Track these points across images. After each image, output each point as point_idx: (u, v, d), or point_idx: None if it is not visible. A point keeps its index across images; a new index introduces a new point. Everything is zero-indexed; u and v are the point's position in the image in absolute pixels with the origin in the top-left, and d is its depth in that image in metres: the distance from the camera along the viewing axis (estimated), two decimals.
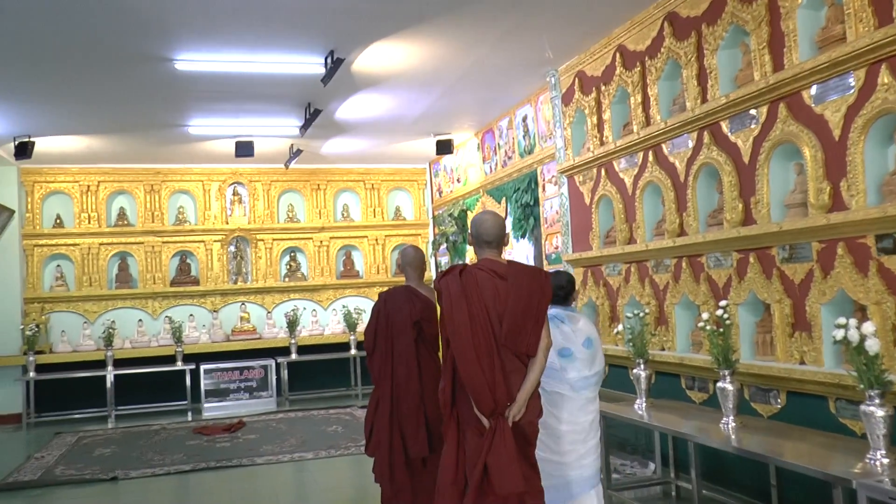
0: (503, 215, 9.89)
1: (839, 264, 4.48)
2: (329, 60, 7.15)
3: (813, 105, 4.67)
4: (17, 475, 7.69)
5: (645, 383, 5.51)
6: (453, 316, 3.77)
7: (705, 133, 5.67)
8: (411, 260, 5.15)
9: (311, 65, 7.36)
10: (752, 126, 5.20)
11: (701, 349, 5.75)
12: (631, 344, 5.59)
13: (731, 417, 4.60)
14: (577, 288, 5.18)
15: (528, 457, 3.77)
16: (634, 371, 5.57)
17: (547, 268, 8.69)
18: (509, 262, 3.93)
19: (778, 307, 4.95)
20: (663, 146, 6.24)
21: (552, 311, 4.36)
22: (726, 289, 5.50)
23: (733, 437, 4.41)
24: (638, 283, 6.63)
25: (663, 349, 6.20)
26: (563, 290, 4.66)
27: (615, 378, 6.94)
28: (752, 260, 5.21)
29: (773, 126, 4.99)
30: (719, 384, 4.65)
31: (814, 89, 4.65)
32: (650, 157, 6.41)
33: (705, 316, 4.82)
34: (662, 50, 6.18)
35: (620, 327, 5.94)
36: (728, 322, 4.68)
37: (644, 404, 5.47)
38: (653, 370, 5.98)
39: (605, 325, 7.16)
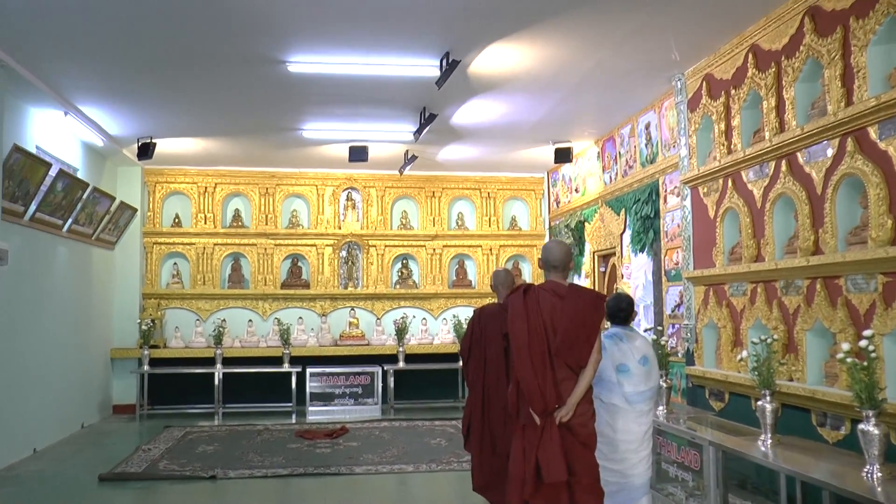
0: (622, 227, 9.40)
1: None
2: (444, 62, 6.95)
3: None
4: (124, 466, 7.82)
5: (771, 417, 4.95)
6: (514, 327, 4.43)
7: (849, 140, 5.06)
8: (502, 280, 5.79)
9: (426, 67, 7.19)
10: None
11: (836, 382, 5.13)
12: (756, 372, 5.03)
13: (877, 466, 3.98)
14: (635, 309, 5.58)
15: (578, 455, 4.32)
16: (759, 403, 5.01)
17: (666, 285, 8.17)
18: (571, 284, 4.54)
19: None
20: (798, 155, 5.65)
21: (612, 329, 5.11)
22: (869, 316, 4.87)
23: (879, 489, 3.80)
24: (765, 306, 6.03)
25: (791, 380, 5.59)
26: (623, 312, 5.18)
27: (737, 409, 6.37)
28: None
29: None
30: (861, 426, 4.06)
31: None
32: (783, 167, 5.82)
33: (846, 347, 4.23)
34: (801, 48, 5.59)
35: (744, 353, 5.37)
36: (874, 355, 4.08)
37: (769, 441, 4.91)
38: (778, 402, 5.40)
39: (726, 350, 6.58)
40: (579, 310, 4.36)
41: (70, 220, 9.34)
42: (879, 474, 3.98)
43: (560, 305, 4.38)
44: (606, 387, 4.87)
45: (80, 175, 9.70)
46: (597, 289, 10.40)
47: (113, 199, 10.44)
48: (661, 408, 6.35)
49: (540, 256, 4.72)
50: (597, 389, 4.75)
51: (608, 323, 5.17)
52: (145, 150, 9.93)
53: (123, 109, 8.81)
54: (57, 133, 9.11)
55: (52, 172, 8.34)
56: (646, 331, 7.59)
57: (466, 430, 5.66)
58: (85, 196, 9.38)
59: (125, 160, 11.23)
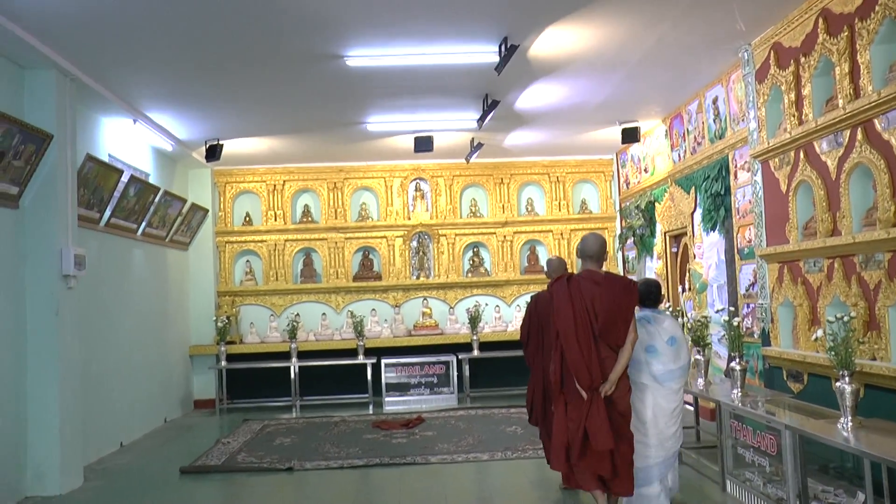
0: (692, 206, 9.15)
1: None
2: (503, 48, 6.87)
3: None
4: (205, 459, 8.03)
5: (851, 399, 4.72)
6: (561, 313, 5.04)
7: None
8: (555, 268, 6.30)
9: (485, 53, 7.12)
10: None
11: None
12: (833, 352, 4.81)
13: None
14: (663, 293, 6.32)
15: (619, 424, 4.93)
16: (838, 384, 4.79)
17: (739, 263, 7.91)
18: (606, 273, 5.16)
19: None
20: (876, 122, 5.36)
21: (641, 312, 5.47)
22: None
23: None
24: (843, 282, 5.76)
25: (874, 359, 5.33)
26: (651, 296, 5.63)
27: (816, 390, 6.12)
28: None
29: None
30: None
31: None
32: (858, 136, 5.53)
33: None
34: (877, 8, 5.29)
35: (820, 332, 5.14)
36: None
37: (850, 424, 4.70)
38: (861, 383, 5.16)
39: (803, 329, 6.32)
40: (615, 295, 4.97)
41: (144, 224, 9.62)
42: None
43: (598, 291, 4.97)
44: (635, 366, 5.28)
45: (151, 180, 9.98)
46: (669, 269, 10.19)
47: (184, 201, 10.71)
48: (735, 391, 6.18)
49: (578, 247, 5.34)
50: (629, 370, 5.17)
51: (638, 307, 5.46)
52: (213, 152, 10.15)
53: (189, 113, 9.02)
54: (127, 140, 9.38)
55: (125, 178, 8.60)
56: (717, 311, 7.40)
57: (530, 408, 6.33)
58: (157, 199, 9.64)
59: (194, 163, 11.49)
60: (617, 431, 4.89)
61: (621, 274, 5.80)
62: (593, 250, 5.16)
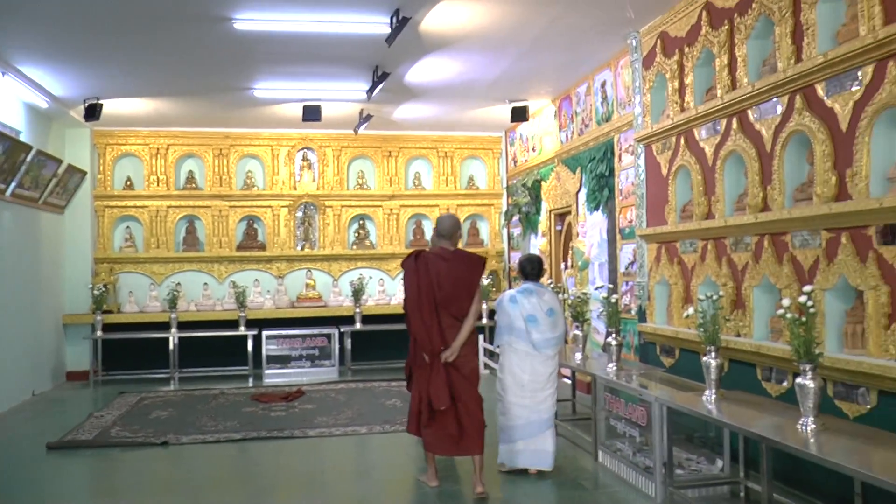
0: (577, 186, 9.39)
1: None
2: (394, 20, 6.80)
3: None
4: (75, 434, 7.69)
5: (716, 373, 5.00)
6: (407, 286, 5.59)
7: (797, 97, 5.06)
8: (447, 228, 5.94)
9: (376, 24, 7.03)
10: (854, 88, 4.58)
11: (781, 337, 5.18)
12: (702, 329, 5.07)
13: (811, 418, 4.04)
14: (545, 267, 6.76)
15: (463, 387, 5.46)
16: (704, 359, 5.06)
17: (620, 243, 8.19)
18: (455, 250, 5.64)
19: (873, 295, 4.36)
20: (749, 112, 5.64)
21: (524, 285, 6.09)
22: (813, 272, 4.91)
23: (812, 440, 3.87)
24: (714, 262, 6.07)
25: (739, 335, 5.65)
26: (533, 270, 6.15)
27: (686, 365, 6.44)
28: (844, 240, 4.61)
29: (879, 88, 4.36)
30: (799, 380, 4.10)
31: None
32: (734, 125, 5.81)
33: (786, 302, 4.26)
34: (754, 5, 5.55)
35: (691, 310, 5.41)
36: (812, 310, 4.12)
37: (713, 396, 4.97)
38: (726, 358, 5.48)
39: (677, 307, 6.62)
40: (461, 269, 5.53)
41: (13, 184, 9.07)
42: (813, 426, 4.05)
43: (445, 266, 5.48)
44: (517, 334, 5.87)
45: (23, 138, 9.37)
46: (553, 246, 10.44)
47: (60, 161, 10.17)
48: (611, 365, 6.42)
49: (434, 227, 5.83)
50: (509, 338, 5.90)
51: (521, 280, 6.22)
52: (92, 112, 9.67)
53: (67, 70, 8.53)
54: None
55: None
56: (597, 288, 7.65)
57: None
58: (29, 159, 9.09)
59: (73, 122, 10.90)
60: (459, 393, 5.43)
61: (471, 251, 6.24)
62: (445, 229, 5.66)
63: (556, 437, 6.00)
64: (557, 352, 6.01)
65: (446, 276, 5.46)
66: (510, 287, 10.46)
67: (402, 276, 11.93)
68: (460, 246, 12.50)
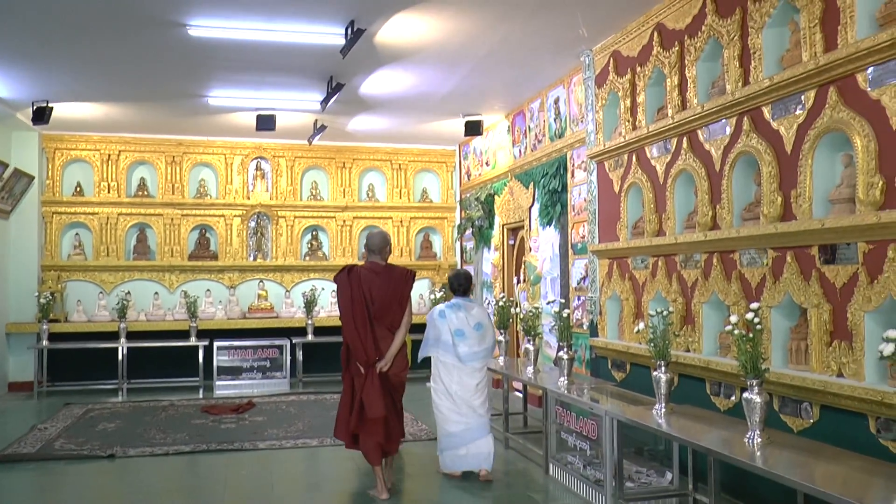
0: (530, 201, 9.49)
1: (889, 268, 4.01)
2: (349, 31, 6.82)
3: (869, 89, 4.19)
4: (16, 447, 7.50)
5: (665, 387, 5.10)
6: (341, 299, 5.81)
7: (745, 119, 5.20)
8: (376, 243, 6.13)
9: (331, 35, 7.04)
10: (798, 112, 4.73)
11: (729, 353, 5.30)
12: (652, 344, 5.17)
13: (757, 432, 4.15)
14: (473, 283, 6.99)
15: (394, 398, 5.85)
16: (655, 373, 5.15)
17: (572, 258, 8.29)
18: (386, 265, 5.93)
19: (815, 312, 4.50)
20: (699, 132, 5.78)
21: (454, 300, 6.47)
22: (760, 289, 5.05)
23: (758, 454, 3.97)
24: (665, 279, 6.19)
25: (688, 350, 5.77)
26: (461, 286, 6.53)
27: (637, 379, 6.54)
28: (789, 259, 4.75)
29: (820, 112, 4.52)
30: (745, 395, 4.21)
31: (870, 71, 4.16)
32: (684, 144, 5.95)
33: (734, 319, 4.39)
34: (703, 28, 5.70)
35: (642, 325, 5.51)
36: (759, 327, 4.23)
37: (663, 410, 5.07)
38: (676, 373, 5.59)
39: (628, 322, 6.73)
40: (392, 283, 5.83)
41: None
42: (759, 440, 4.15)
43: (377, 280, 5.77)
44: (444, 348, 6.20)
45: None
46: (506, 261, 10.52)
47: (5, 165, 9.95)
48: (562, 379, 6.49)
49: (365, 243, 6.08)
50: (436, 350, 6.27)
51: (435, 295, 6.61)
52: (41, 115, 9.46)
53: (14, 71, 8.33)
54: None
55: None
56: (549, 303, 7.74)
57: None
58: None
59: (20, 125, 10.66)
60: (389, 403, 5.75)
61: (400, 265, 6.25)
62: (375, 245, 5.95)
63: (493, 439, 6.30)
64: (485, 364, 6.36)
65: (378, 289, 5.75)
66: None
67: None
68: (413, 258, 12.76)
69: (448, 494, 5.97)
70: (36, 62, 8.07)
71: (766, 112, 5.02)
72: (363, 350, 5.67)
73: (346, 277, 5.81)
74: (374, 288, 5.75)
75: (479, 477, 6.17)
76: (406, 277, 5.94)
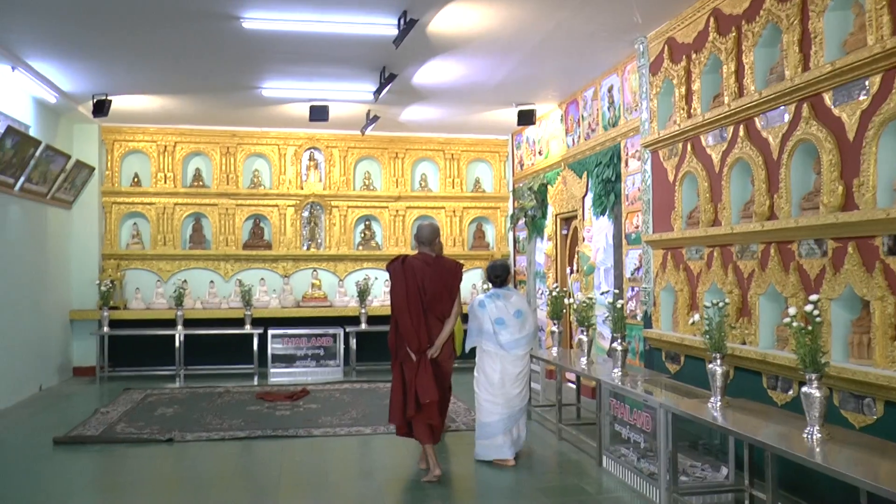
0: (584, 190, 9.41)
1: None
2: (402, 21, 6.83)
3: None
4: (81, 429, 7.72)
5: (721, 380, 5.00)
6: (395, 289, 6.01)
7: (804, 106, 5.07)
8: (426, 235, 6.29)
9: (384, 25, 7.07)
10: (861, 98, 4.59)
11: (787, 346, 5.19)
12: (707, 336, 5.08)
13: (816, 427, 4.05)
14: (511, 273, 7.09)
15: (442, 383, 6.00)
16: (710, 366, 5.06)
17: (626, 248, 8.20)
18: (437, 256, 6.16)
19: (879, 305, 4.37)
20: (756, 120, 5.65)
21: (493, 290, 6.67)
22: (819, 281, 4.92)
23: (818, 450, 3.87)
24: (720, 270, 6.08)
25: (744, 343, 5.66)
26: (499, 277, 6.67)
27: (692, 371, 6.45)
28: (850, 250, 4.62)
29: (886, 98, 4.38)
30: (804, 389, 4.11)
31: None
32: (741, 132, 5.82)
33: (792, 311, 4.27)
34: (762, 13, 5.56)
35: (697, 317, 5.41)
36: (818, 319, 4.13)
37: (719, 403, 4.98)
38: (731, 366, 5.48)
39: (682, 313, 6.64)
40: (442, 274, 6.04)
41: (22, 179, 9.11)
42: (818, 435, 4.05)
43: (428, 271, 5.98)
44: (486, 337, 6.42)
45: (32, 132, 9.44)
46: (559, 251, 10.45)
47: (68, 157, 10.19)
48: (616, 370, 6.42)
49: (414, 234, 6.39)
50: (479, 339, 6.46)
51: (489, 284, 6.80)
52: (101, 108, 9.71)
53: (76, 65, 8.57)
54: (4, 89, 8.82)
55: (0, 129, 8.10)
56: (603, 294, 7.66)
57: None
58: (38, 154, 9.13)
59: (81, 118, 10.95)
60: (440, 387, 5.95)
61: (450, 258, 6.50)
62: (425, 237, 6.14)
63: (526, 423, 6.64)
64: (527, 352, 6.52)
65: (430, 280, 5.96)
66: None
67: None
68: (465, 248, 12.75)
69: (500, 483, 5.96)
70: (96, 57, 8.28)
71: (827, 98, 4.88)
72: (416, 338, 5.87)
73: (399, 267, 6.00)
74: (426, 278, 5.94)
75: (507, 463, 6.38)
76: (455, 270, 6.16)
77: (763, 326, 5.55)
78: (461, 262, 6.45)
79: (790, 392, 5.20)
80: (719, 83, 6.22)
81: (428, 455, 5.99)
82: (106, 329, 11.06)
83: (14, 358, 9.21)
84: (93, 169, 11.27)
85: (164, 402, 9.21)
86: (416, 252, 6.24)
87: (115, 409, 8.74)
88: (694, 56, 6.57)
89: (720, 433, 5.62)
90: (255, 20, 6.99)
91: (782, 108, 5.34)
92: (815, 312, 4.12)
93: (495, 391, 6.39)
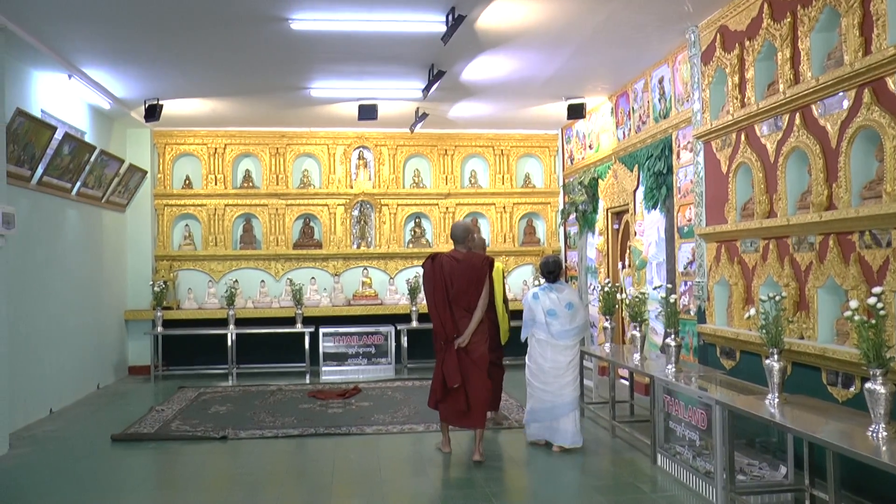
0: (635, 184, 9.27)
1: None
2: (450, 18, 6.80)
3: None
4: (137, 427, 7.88)
5: (778, 376, 4.86)
6: (425, 284, 6.62)
7: (865, 91, 4.89)
8: (458, 234, 6.76)
9: (432, 22, 7.04)
10: None
11: (847, 340, 5.02)
12: (764, 330, 4.93)
13: (882, 425, 3.89)
14: (563, 268, 7.51)
15: (471, 369, 6.41)
16: (767, 361, 4.92)
17: (678, 241, 8.05)
18: (467, 252, 6.62)
19: None
20: (813, 107, 5.48)
21: (545, 284, 6.95)
22: (882, 273, 4.74)
23: (884, 448, 3.71)
24: (776, 262, 5.91)
25: (802, 338, 5.49)
26: (551, 273, 6.93)
27: (748, 367, 6.29)
28: None
29: None
30: (868, 384, 3.96)
31: None
32: (797, 120, 5.65)
33: (853, 304, 4.11)
34: None
35: (753, 311, 5.26)
36: (882, 312, 3.96)
37: (776, 400, 4.83)
38: (789, 361, 5.32)
39: (738, 308, 6.47)
40: (470, 269, 6.49)
41: (79, 184, 9.32)
42: (885, 434, 3.87)
43: (457, 266, 6.48)
44: (539, 326, 6.74)
45: (87, 138, 9.66)
46: (610, 246, 10.32)
47: (122, 161, 10.40)
48: (670, 366, 6.30)
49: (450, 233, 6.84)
50: (532, 329, 6.80)
51: (541, 280, 7.21)
52: (152, 112, 9.88)
53: (128, 71, 8.73)
54: (62, 96, 9.05)
55: (58, 136, 8.29)
56: (655, 288, 7.53)
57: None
58: (93, 159, 9.34)
59: (133, 122, 11.18)
60: (468, 375, 6.38)
61: (480, 254, 6.98)
62: (458, 235, 6.64)
63: (579, 419, 6.81)
64: (576, 342, 6.80)
65: (458, 275, 6.44)
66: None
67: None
68: (516, 244, 12.68)
69: (554, 481, 5.89)
70: (148, 63, 8.43)
71: (891, 83, 4.70)
72: (441, 327, 6.45)
73: (430, 264, 6.54)
74: (455, 273, 6.45)
75: (553, 448, 6.70)
76: (482, 264, 6.57)
77: (822, 320, 5.38)
78: (492, 257, 6.88)
79: (852, 388, 5.02)
80: (774, 71, 6.05)
81: (443, 431, 6.75)
82: (160, 329, 11.26)
83: (73, 358, 9.44)
84: (145, 172, 11.47)
85: (217, 401, 9.33)
86: (450, 250, 6.71)
87: (170, 407, 8.88)
88: (747, 43, 6.40)
89: (777, 431, 5.47)
90: (304, 21, 7.02)
91: (841, 94, 5.17)
92: (879, 305, 3.96)
93: (546, 379, 6.70)
